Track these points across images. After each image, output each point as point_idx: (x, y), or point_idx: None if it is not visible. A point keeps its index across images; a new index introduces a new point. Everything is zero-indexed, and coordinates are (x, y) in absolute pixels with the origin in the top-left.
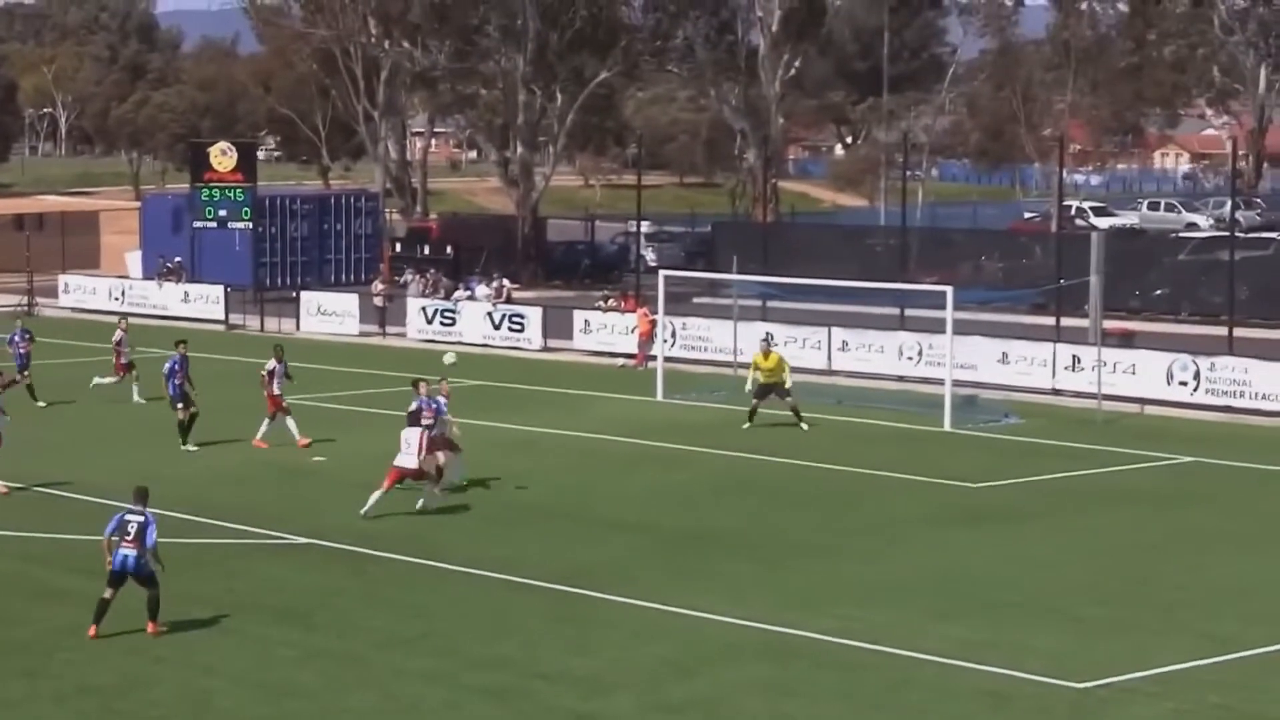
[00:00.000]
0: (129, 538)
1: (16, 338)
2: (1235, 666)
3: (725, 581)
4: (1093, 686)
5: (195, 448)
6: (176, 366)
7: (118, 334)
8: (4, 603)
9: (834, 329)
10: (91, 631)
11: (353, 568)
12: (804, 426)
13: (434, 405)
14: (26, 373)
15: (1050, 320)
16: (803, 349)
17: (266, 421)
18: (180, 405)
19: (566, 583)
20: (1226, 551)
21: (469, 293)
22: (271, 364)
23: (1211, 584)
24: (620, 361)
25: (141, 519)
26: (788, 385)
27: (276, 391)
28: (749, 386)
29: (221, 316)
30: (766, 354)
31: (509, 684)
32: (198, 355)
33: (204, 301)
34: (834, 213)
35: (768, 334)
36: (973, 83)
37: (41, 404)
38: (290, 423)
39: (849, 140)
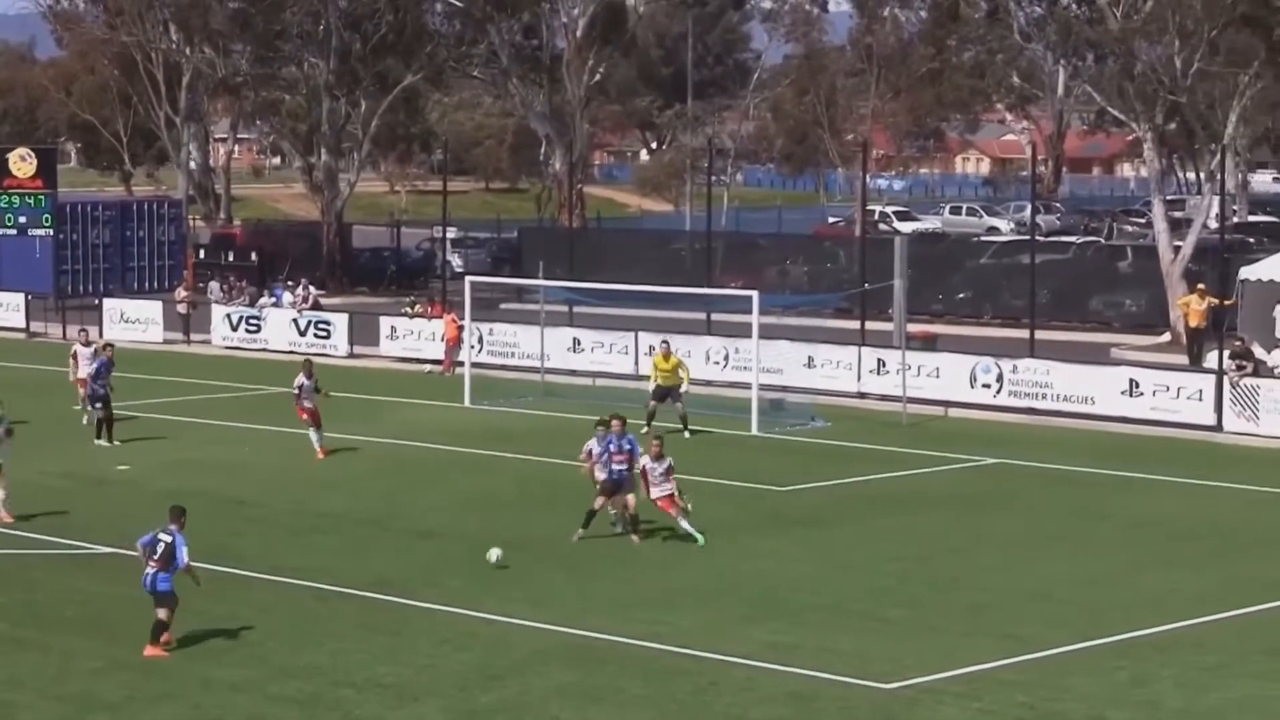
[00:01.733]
0: (155, 556)
1: None
2: (1039, 666)
3: (533, 587)
4: (899, 687)
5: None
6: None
7: None
8: None
9: (641, 334)
10: (148, 651)
11: None
12: (687, 435)
13: (626, 446)
14: None
15: (855, 324)
16: (610, 354)
17: (312, 431)
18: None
19: (375, 590)
20: (1030, 553)
21: (274, 299)
22: (300, 379)
23: (1015, 585)
24: (428, 367)
25: (170, 539)
26: (683, 390)
27: (308, 405)
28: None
29: (23, 324)
30: (666, 355)
31: (317, 693)
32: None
33: (4, 309)
34: (640, 218)
35: (665, 338)
36: (777, 88)
37: None
38: (314, 435)
39: (654, 145)
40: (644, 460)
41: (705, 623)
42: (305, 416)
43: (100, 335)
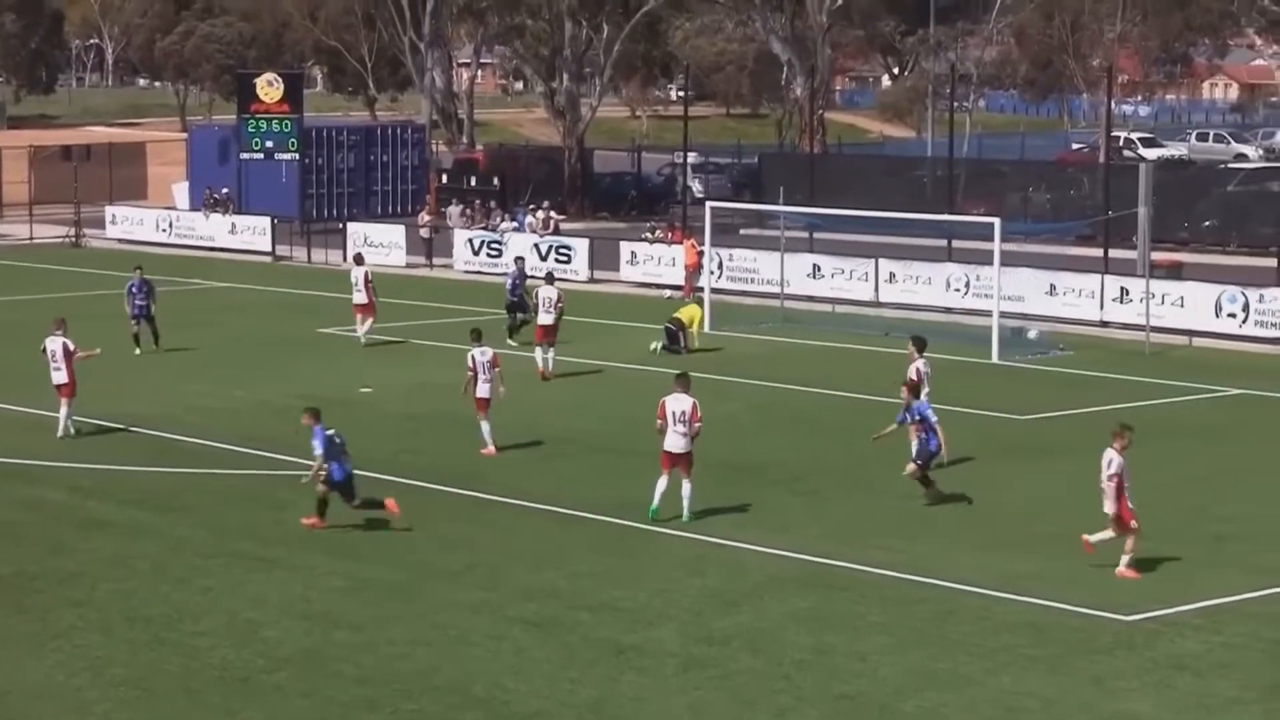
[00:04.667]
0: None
1: (134, 287)
2: None
3: (769, 513)
4: (1140, 619)
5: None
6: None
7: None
8: (53, 533)
9: (881, 260)
10: (311, 521)
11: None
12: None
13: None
14: (135, 322)
15: (1098, 252)
16: (849, 280)
17: (538, 350)
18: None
19: (612, 514)
20: (1274, 484)
21: (516, 224)
22: (547, 290)
23: (1260, 516)
24: (667, 293)
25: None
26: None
27: (543, 321)
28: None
29: (268, 248)
30: None
31: (554, 615)
32: (246, 286)
33: (251, 233)
34: (881, 144)
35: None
36: (1021, 13)
37: (138, 352)
38: (550, 354)
39: (896, 71)
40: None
41: (942, 551)
42: (540, 336)
43: (346, 259)
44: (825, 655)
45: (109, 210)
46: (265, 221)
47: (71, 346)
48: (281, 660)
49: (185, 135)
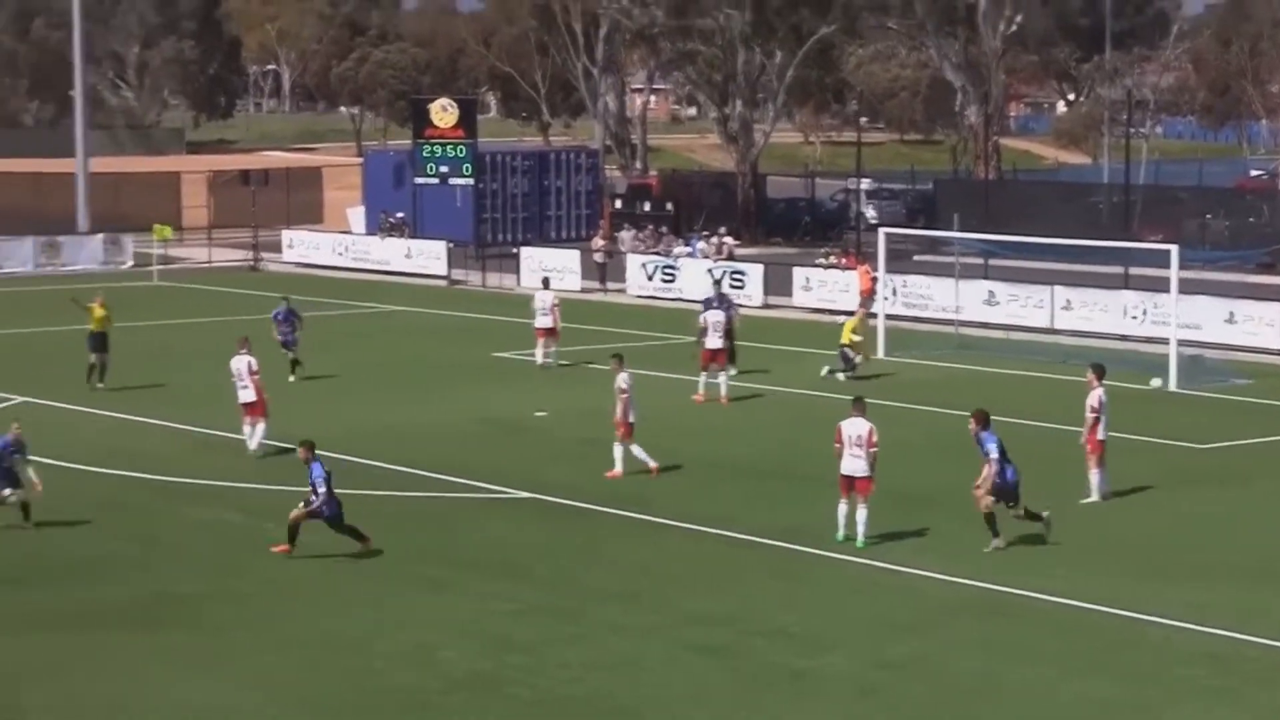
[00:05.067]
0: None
1: (280, 315)
2: None
3: (943, 540)
4: None
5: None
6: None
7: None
8: (229, 554)
9: (1057, 288)
10: (282, 548)
11: (570, 523)
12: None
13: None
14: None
15: (1278, 280)
16: (1024, 307)
17: (703, 375)
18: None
19: (783, 539)
20: None
21: (690, 250)
22: (714, 314)
23: None
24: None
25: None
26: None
27: (708, 346)
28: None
29: (444, 272)
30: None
31: (726, 641)
32: (421, 310)
33: (425, 257)
34: (1056, 170)
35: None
36: (1198, 38)
37: (293, 379)
38: (722, 378)
39: (1071, 97)
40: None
41: (1118, 579)
42: (706, 360)
43: (518, 284)
44: (999, 683)
45: (286, 234)
46: (440, 246)
47: (255, 365)
48: (456, 683)
49: (361, 160)
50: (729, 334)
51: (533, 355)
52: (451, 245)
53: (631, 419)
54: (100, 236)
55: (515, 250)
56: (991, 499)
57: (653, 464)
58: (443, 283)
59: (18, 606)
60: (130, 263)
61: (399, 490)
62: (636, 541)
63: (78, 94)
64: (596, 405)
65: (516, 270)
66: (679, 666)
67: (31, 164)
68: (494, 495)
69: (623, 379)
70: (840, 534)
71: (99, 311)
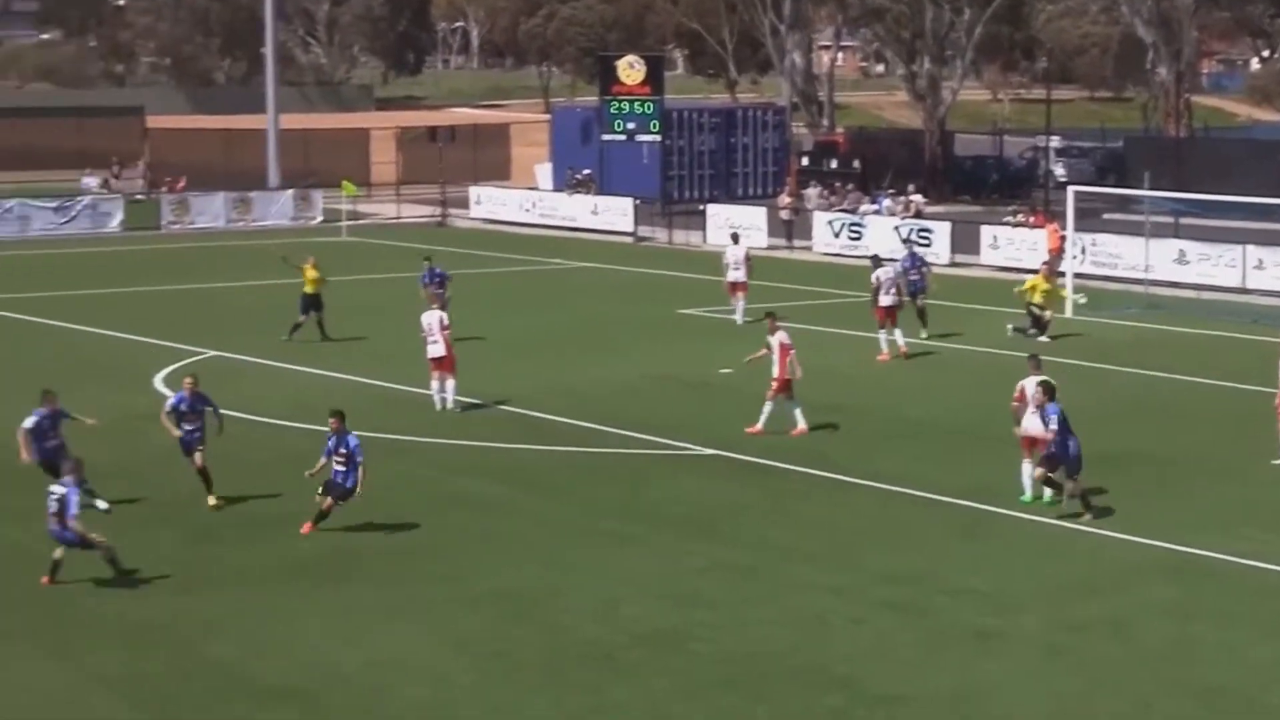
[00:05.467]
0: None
1: (426, 278)
2: None
3: (1133, 501)
4: None
5: None
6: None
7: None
8: (421, 509)
9: (1249, 247)
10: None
11: (756, 480)
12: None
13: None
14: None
15: None
16: (1215, 267)
17: (882, 333)
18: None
19: (969, 498)
20: None
21: (875, 207)
22: (886, 271)
23: None
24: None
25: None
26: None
27: (883, 303)
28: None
29: (630, 229)
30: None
31: (912, 599)
32: (607, 267)
33: (612, 214)
34: (1250, 127)
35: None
36: None
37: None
38: (882, 336)
39: (1265, 53)
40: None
41: None
42: (880, 317)
43: (704, 241)
44: (1189, 645)
45: (473, 190)
46: (626, 203)
47: (446, 321)
48: (640, 638)
49: (548, 117)
50: (919, 294)
51: (728, 312)
52: (638, 202)
53: (788, 376)
54: (290, 192)
55: (701, 207)
56: (1043, 470)
57: (802, 424)
58: (628, 239)
59: (212, 561)
60: (320, 218)
61: (584, 446)
62: (822, 500)
63: (269, 52)
64: None
65: (703, 227)
66: (865, 624)
67: (223, 121)
68: (679, 452)
69: (781, 336)
70: (1027, 495)
71: (311, 272)
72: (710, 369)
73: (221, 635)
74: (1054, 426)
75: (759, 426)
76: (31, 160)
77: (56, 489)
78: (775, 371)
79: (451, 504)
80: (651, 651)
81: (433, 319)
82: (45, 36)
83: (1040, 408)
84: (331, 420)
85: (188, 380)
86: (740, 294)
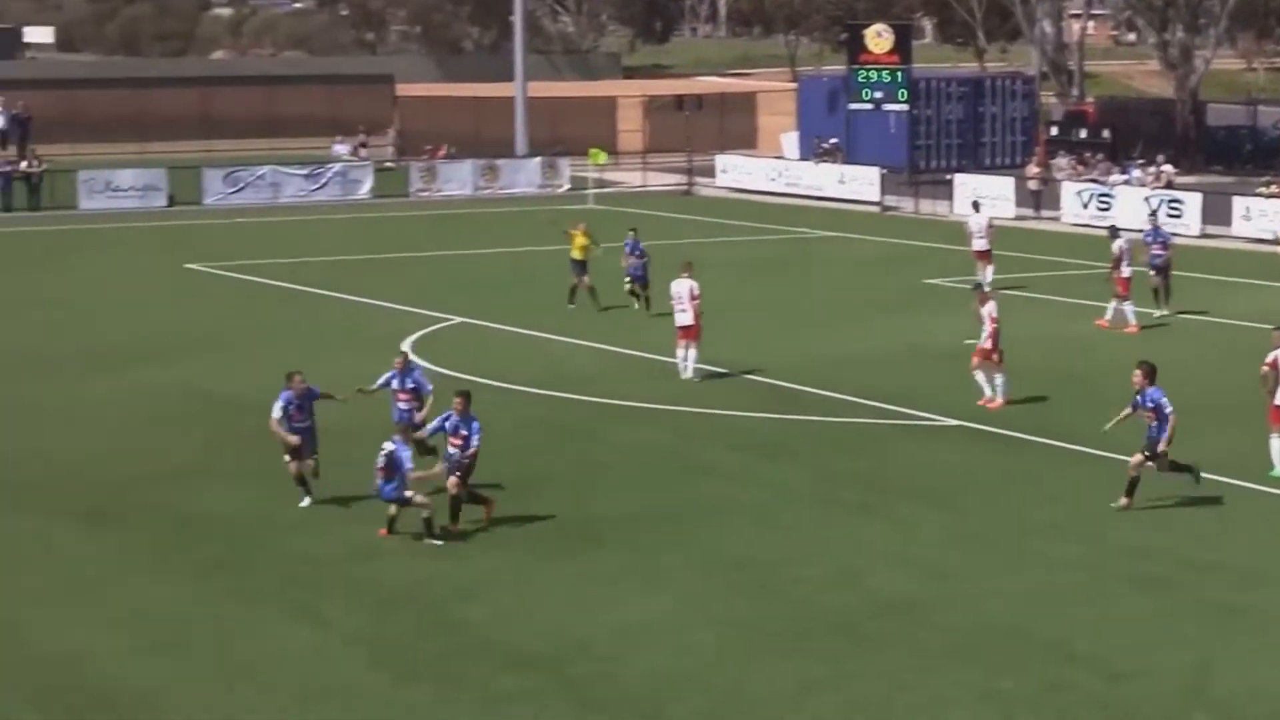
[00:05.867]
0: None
1: (630, 248)
2: None
3: None
4: None
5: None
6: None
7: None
8: (659, 476)
9: None
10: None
11: (999, 452)
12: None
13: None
14: (629, 281)
15: None
16: None
17: (1113, 303)
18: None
19: (1216, 472)
20: None
21: (1125, 178)
22: (1120, 243)
23: None
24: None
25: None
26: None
27: (1125, 275)
28: None
29: (876, 198)
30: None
31: (1158, 573)
32: (854, 236)
33: (859, 183)
34: None
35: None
36: None
37: (636, 307)
38: (1128, 308)
39: None
40: None
41: None
42: (1123, 290)
43: (951, 211)
44: None
45: (719, 159)
46: (874, 172)
47: (697, 290)
48: (884, 608)
49: (795, 86)
50: (1164, 269)
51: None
52: (884, 171)
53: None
54: (537, 160)
55: (949, 177)
56: (1141, 457)
57: (1001, 398)
58: (875, 209)
59: (465, 528)
60: (567, 186)
61: (826, 415)
62: (1066, 472)
63: (517, 20)
64: (1027, 334)
65: (950, 197)
66: (1109, 598)
67: (471, 89)
68: (922, 422)
69: (991, 308)
70: (1276, 470)
71: (580, 239)
72: (955, 339)
73: (472, 600)
74: (1168, 408)
75: (998, 400)
76: (284, 128)
77: (387, 445)
78: (987, 343)
79: (692, 472)
80: (893, 622)
81: (682, 287)
82: (298, 5)
83: (1142, 392)
84: (456, 400)
85: (397, 360)
86: (986, 263)
